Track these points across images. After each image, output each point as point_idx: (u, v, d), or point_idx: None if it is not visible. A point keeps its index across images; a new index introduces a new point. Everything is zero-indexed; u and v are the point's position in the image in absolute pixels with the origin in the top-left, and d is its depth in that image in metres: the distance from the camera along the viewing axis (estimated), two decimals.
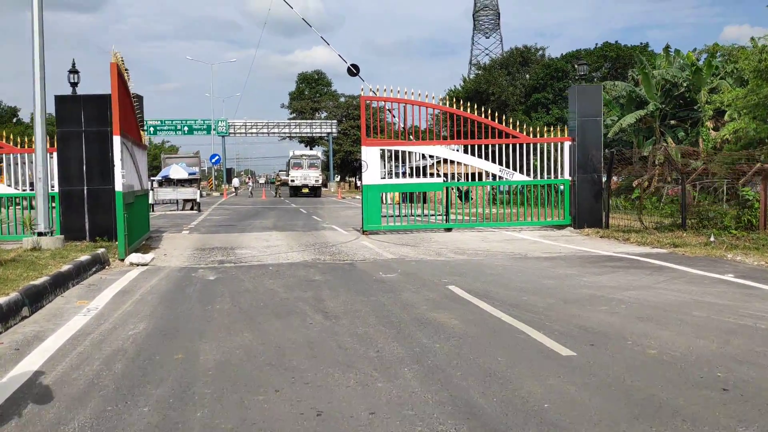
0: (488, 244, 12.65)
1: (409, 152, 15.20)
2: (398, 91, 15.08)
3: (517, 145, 15.32)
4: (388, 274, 8.89)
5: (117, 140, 10.36)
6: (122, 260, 10.30)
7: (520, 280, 8.38)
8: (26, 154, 14.77)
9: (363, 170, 14.94)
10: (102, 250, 10.17)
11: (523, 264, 9.89)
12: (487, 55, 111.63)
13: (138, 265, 10.06)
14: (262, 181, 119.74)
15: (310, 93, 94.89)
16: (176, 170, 28.36)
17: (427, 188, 15.25)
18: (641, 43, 63.54)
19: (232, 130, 72.22)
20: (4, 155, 14.72)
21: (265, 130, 75.57)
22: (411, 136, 15.32)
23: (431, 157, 15.47)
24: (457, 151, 15.31)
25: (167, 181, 28.71)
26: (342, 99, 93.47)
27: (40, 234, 11.21)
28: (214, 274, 9.14)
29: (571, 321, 5.96)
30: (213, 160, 60.13)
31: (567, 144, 15.32)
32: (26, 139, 14.84)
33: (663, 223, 14.81)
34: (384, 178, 15.23)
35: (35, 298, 6.68)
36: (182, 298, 7.26)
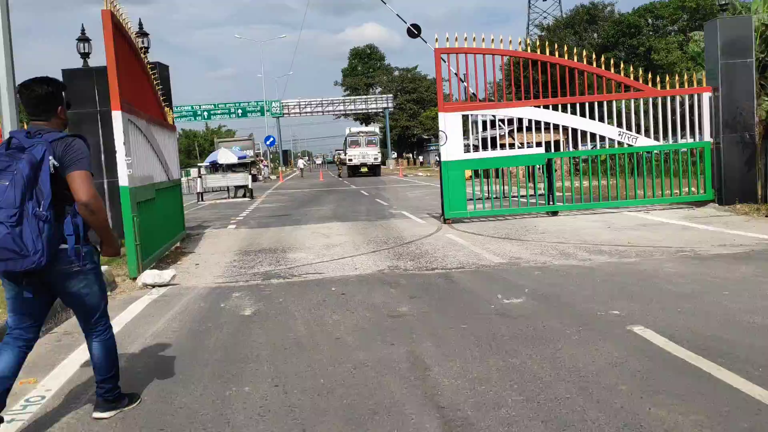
0: (621, 234, 9.39)
1: (489, 119, 11.97)
2: (482, 40, 11.84)
3: (641, 101, 11.87)
4: (512, 298, 5.82)
5: (118, 117, 7.60)
6: (134, 279, 7.61)
7: (739, 305, 5.17)
8: None
9: (441, 143, 11.84)
10: (105, 267, 7.46)
11: (707, 270, 6.63)
12: (545, 18, 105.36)
13: (153, 286, 7.34)
14: (319, 161, 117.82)
15: (363, 69, 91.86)
16: (224, 154, 25.90)
17: (526, 161, 12.01)
18: None
19: (286, 111, 70.04)
20: None
21: (319, 109, 73.09)
22: (490, 97, 12.07)
23: (509, 122, 12.14)
24: (558, 111, 11.97)
25: (216, 167, 26.32)
26: (396, 73, 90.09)
27: None
28: (252, 302, 6.28)
29: None
30: (268, 142, 57.96)
31: (706, 96, 11.76)
32: None
33: None
34: (469, 151, 12.07)
35: None
36: (190, 371, 4.36)
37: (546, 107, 11.86)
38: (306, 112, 72.29)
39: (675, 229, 9.65)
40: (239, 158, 26.01)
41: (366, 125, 71.39)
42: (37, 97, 3.27)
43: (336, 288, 6.65)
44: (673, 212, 11.60)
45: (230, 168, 25.83)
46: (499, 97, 12.37)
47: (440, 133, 11.79)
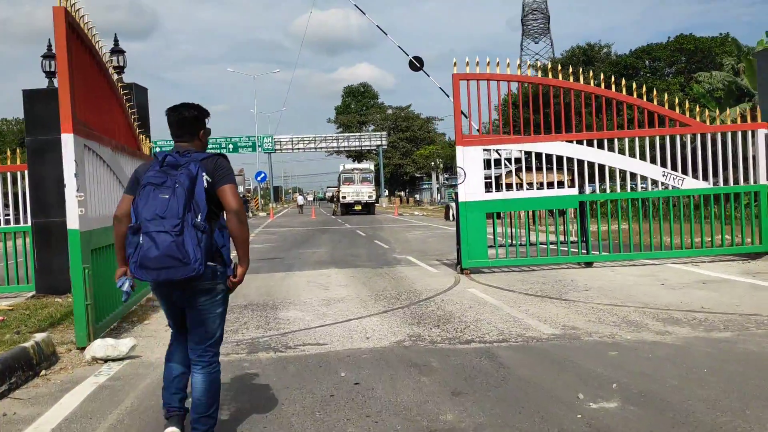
0: (683, 294, 7.77)
1: (493, 156, 10.44)
2: (507, 64, 10.39)
3: (687, 137, 10.41)
4: (599, 399, 4.13)
5: (69, 141, 5.98)
6: (81, 349, 5.88)
7: None
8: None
9: (459, 181, 10.27)
10: (42, 335, 5.71)
11: None
12: (537, 60, 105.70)
13: (107, 361, 5.61)
14: (310, 198, 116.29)
15: (357, 106, 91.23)
16: None
17: (557, 204, 10.44)
18: (721, 34, 57.17)
19: (278, 146, 68.58)
20: None
21: (312, 145, 71.78)
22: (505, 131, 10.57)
23: (517, 161, 10.55)
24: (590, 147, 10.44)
25: None
26: (389, 111, 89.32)
27: None
28: (232, 395, 4.56)
29: None
30: (258, 178, 56.34)
31: (761, 133, 10.30)
32: None
33: None
34: (489, 191, 10.50)
35: None
36: None
37: (579, 142, 10.35)
38: (299, 148, 70.94)
39: (744, 289, 8.06)
40: None
41: (359, 162, 70.22)
42: (184, 119, 3.47)
43: (346, 373, 4.93)
44: (726, 266, 10.02)
45: None
46: (525, 130, 10.86)
47: (458, 169, 10.22)
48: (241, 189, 38.20)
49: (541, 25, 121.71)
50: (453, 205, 32.43)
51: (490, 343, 5.75)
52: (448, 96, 12.13)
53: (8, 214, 10.62)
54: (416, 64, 13.88)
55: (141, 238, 3.12)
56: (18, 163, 10.53)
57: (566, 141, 10.32)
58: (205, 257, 3.18)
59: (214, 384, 3.46)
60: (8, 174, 10.54)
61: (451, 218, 31.25)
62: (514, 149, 10.36)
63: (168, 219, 3.09)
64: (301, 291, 9.39)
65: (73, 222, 5.96)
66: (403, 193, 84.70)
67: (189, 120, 3.47)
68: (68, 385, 4.93)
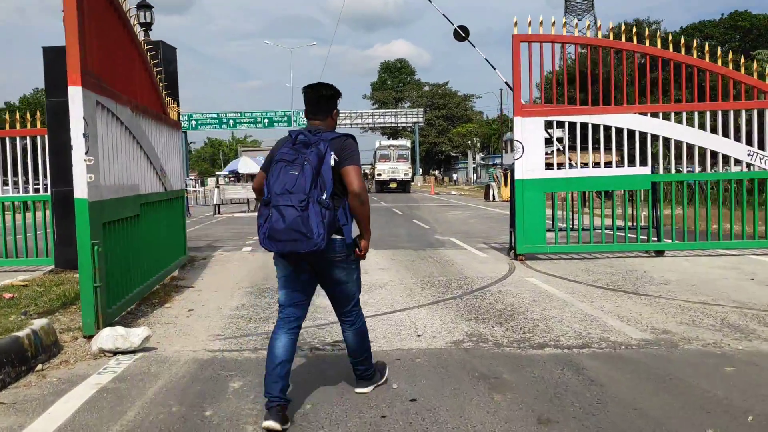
0: None
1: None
2: (575, 25, 9.26)
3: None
4: None
5: (77, 95, 5.11)
6: (89, 338, 5.09)
7: None
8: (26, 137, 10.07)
9: (515, 156, 9.21)
10: (42, 322, 4.90)
11: None
12: (583, 35, 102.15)
13: (114, 353, 4.80)
14: None
15: (393, 83, 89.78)
16: (246, 163, 23.51)
17: (626, 184, 9.31)
18: None
19: None
20: None
21: (347, 121, 70.64)
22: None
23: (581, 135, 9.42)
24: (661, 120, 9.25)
25: (237, 177, 23.95)
26: (426, 88, 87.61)
27: None
28: (261, 406, 3.69)
29: None
30: None
31: None
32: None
33: None
34: (550, 168, 9.41)
35: None
36: None
37: (654, 115, 9.18)
38: None
39: None
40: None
41: (394, 139, 69.11)
42: (322, 97, 3.60)
43: (399, 384, 4.01)
44: None
45: (252, 178, 23.41)
46: (593, 101, 9.73)
47: (515, 143, 9.16)
48: None
49: (585, 2, 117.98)
50: (494, 185, 31.34)
51: (568, 348, 4.77)
52: (494, 68, 11.06)
53: (27, 182, 9.94)
54: (461, 33, 12.75)
55: (270, 211, 3.27)
56: (38, 126, 9.82)
57: (639, 113, 9.16)
58: (327, 233, 3.28)
59: (363, 335, 3.81)
60: (27, 139, 9.85)
61: (491, 199, 30.09)
62: (579, 121, 9.21)
63: (295, 194, 3.23)
64: None
65: (81, 190, 5.13)
66: (437, 172, 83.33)
67: (326, 98, 3.60)
68: (65, 385, 4.11)
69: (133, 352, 4.86)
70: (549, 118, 9.20)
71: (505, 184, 30.12)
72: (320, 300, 6.84)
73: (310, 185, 3.23)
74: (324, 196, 3.27)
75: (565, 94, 9.31)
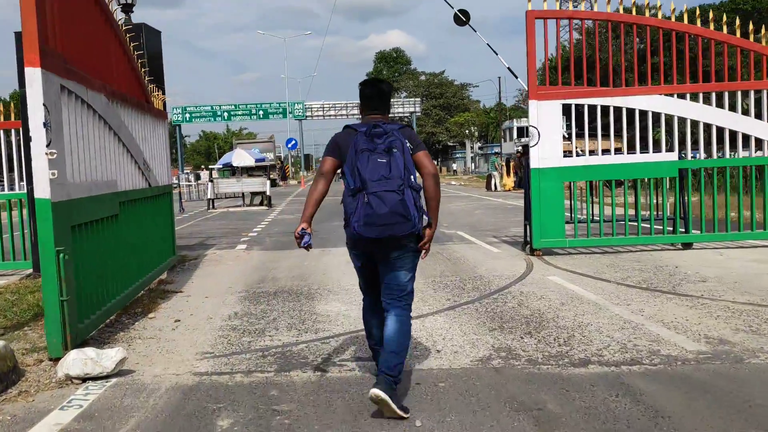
0: None
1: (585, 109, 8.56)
2: (594, 0, 8.52)
3: None
4: None
5: (35, 77, 4.36)
6: (55, 361, 4.37)
7: None
8: None
9: (531, 143, 8.48)
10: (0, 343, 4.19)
11: None
12: (576, 27, 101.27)
13: (85, 380, 4.09)
14: None
15: (389, 73, 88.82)
16: (240, 156, 22.72)
17: (652, 171, 8.59)
18: None
19: (309, 113, 66.81)
20: None
21: (343, 112, 69.82)
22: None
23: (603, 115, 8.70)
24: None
25: (231, 170, 23.17)
26: (422, 77, 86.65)
27: None
28: None
29: None
30: (289, 145, 54.76)
31: None
32: None
33: None
34: (568, 155, 8.69)
35: None
36: None
37: (682, 96, 8.46)
38: (330, 115, 69.13)
39: None
40: (257, 161, 22.81)
41: None
42: (383, 92, 3.72)
43: (423, 421, 3.30)
44: None
45: (246, 172, 22.64)
46: (615, 81, 9.00)
47: (531, 129, 8.43)
48: (271, 156, 36.85)
49: None
50: (496, 174, 30.58)
51: (615, 365, 4.06)
52: (496, 54, 10.35)
53: (2, 180, 9.19)
54: (462, 17, 12.04)
55: (367, 198, 3.30)
56: (12, 119, 9.05)
57: (665, 94, 8.43)
58: (420, 216, 3.41)
59: (405, 328, 3.57)
60: (1, 132, 9.08)
61: (493, 188, 29.36)
62: (599, 104, 8.48)
63: (393, 179, 3.30)
64: (340, 274, 7.81)
65: (42, 189, 4.39)
66: (436, 162, 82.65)
67: (386, 94, 3.72)
68: (17, 426, 3.40)
69: (107, 377, 4.15)
70: (567, 101, 8.47)
71: (507, 174, 29.37)
72: (322, 306, 6.16)
73: (403, 170, 3.33)
74: (412, 180, 3.37)
75: (584, 75, 8.57)
